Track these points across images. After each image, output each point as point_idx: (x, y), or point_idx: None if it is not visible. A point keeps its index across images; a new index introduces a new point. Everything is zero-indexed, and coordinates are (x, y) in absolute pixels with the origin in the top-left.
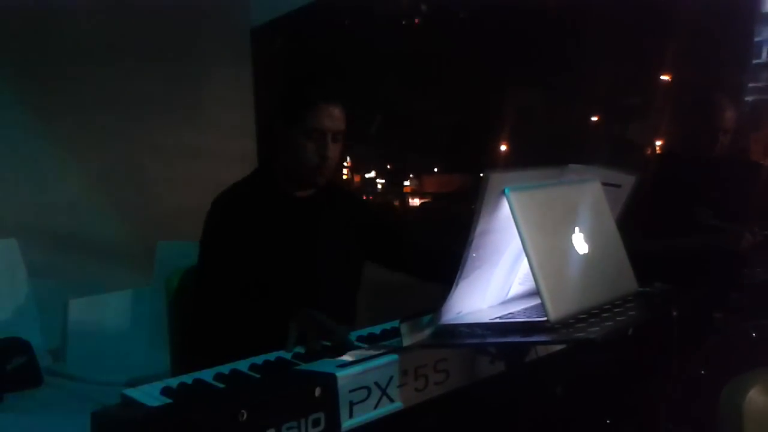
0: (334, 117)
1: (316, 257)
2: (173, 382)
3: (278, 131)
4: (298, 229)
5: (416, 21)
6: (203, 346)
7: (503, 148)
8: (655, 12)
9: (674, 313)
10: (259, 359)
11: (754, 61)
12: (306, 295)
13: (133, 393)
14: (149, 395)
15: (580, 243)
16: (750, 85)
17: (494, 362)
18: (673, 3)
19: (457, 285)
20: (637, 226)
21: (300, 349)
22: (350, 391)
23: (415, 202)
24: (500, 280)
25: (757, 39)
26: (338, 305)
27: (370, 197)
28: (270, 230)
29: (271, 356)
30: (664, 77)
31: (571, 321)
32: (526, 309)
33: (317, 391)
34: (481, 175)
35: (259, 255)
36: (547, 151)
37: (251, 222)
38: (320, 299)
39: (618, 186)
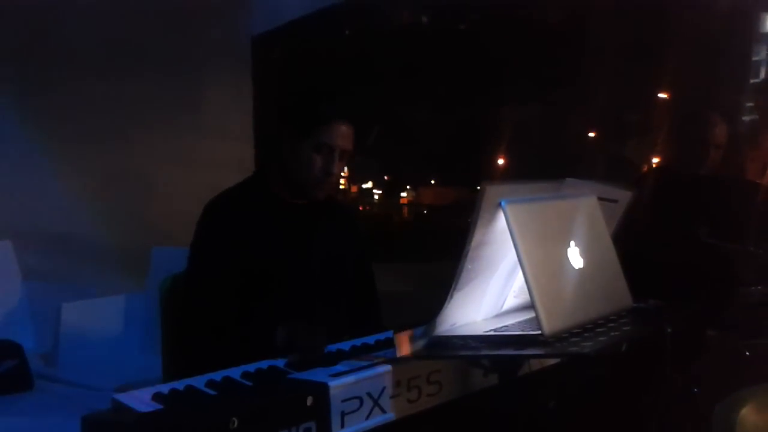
0: (345, 136)
1: (309, 262)
2: (164, 388)
3: (285, 141)
4: (292, 234)
5: (416, 32)
6: (195, 351)
7: (501, 161)
8: (653, 30)
9: (668, 330)
10: (251, 367)
11: (752, 81)
12: (298, 301)
13: (124, 398)
14: (140, 401)
15: (575, 257)
16: (747, 104)
17: (487, 375)
18: (672, 22)
19: (451, 297)
20: (633, 242)
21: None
22: (342, 401)
23: (412, 213)
24: (495, 292)
25: (755, 58)
26: (330, 311)
27: (367, 207)
28: (264, 234)
29: (263, 364)
30: (662, 95)
31: (565, 335)
32: (520, 322)
33: (309, 400)
34: (478, 187)
35: (252, 259)
36: (545, 165)
37: (245, 226)
38: (312, 305)
39: (614, 201)
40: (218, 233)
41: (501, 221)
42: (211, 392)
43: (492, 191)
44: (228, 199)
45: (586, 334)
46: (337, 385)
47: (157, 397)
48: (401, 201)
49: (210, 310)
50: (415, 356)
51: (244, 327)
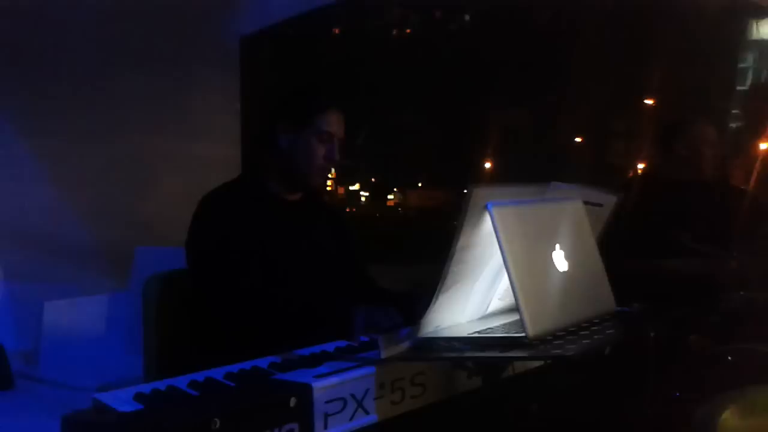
0: (341, 123)
1: (303, 256)
2: (146, 387)
3: (283, 133)
4: (286, 229)
5: (405, 34)
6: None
7: (488, 165)
8: (640, 37)
9: (651, 334)
10: (233, 367)
11: (738, 88)
12: (297, 295)
13: (105, 397)
14: (121, 400)
15: (560, 260)
16: (734, 111)
17: (471, 377)
18: (659, 28)
19: (436, 298)
20: (618, 247)
21: (277, 358)
22: (326, 402)
23: (398, 215)
24: (480, 294)
25: (741, 65)
26: (329, 306)
27: (353, 209)
28: (259, 228)
29: (247, 365)
30: (648, 101)
31: (549, 338)
32: (504, 324)
33: (292, 401)
34: (465, 190)
35: (247, 252)
36: (531, 169)
37: (240, 220)
38: (312, 300)
39: (600, 205)
40: (216, 226)
41: (487, 224)
42: (193, 392)
43: (479, 194)
44: (223, 194)
45: (569, 337)
46: (321, 387)
47: (138, 396)
48: (388, 203)
49: (233, 303)
50: (399, 358)
51: (253, 318)
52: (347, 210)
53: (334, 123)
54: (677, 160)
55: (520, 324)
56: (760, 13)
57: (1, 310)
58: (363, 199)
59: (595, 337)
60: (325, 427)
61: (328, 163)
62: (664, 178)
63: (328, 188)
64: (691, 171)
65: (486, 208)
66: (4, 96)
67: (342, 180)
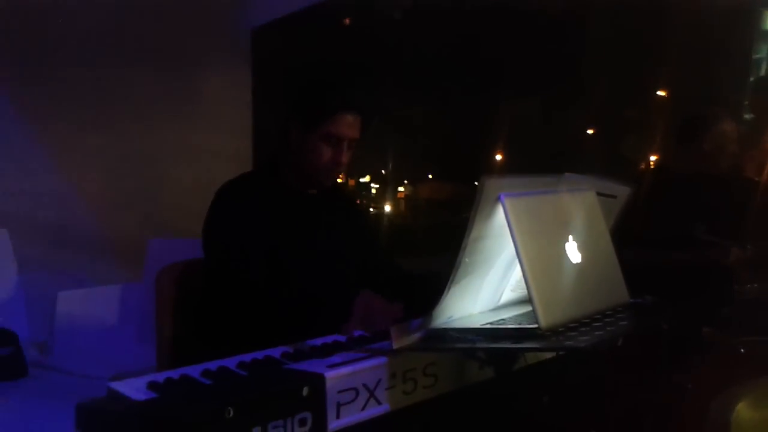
0: (352, 125)
1: (319, 250)
2: (159, 376)
3: (293, 132)
4: (302, 222)
5: (417, 25)
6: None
7: (499, 156)
8: (653, 27)
9: (664, 326)
10: (246, 357)
11: (752, 78)
12: (307, 288)
13: (119, 386)
14: (135, 389)
15: (573, 252)
16: (747, 102)
17: (483, 368)
18: (671, 19)
19: (449, 289)
20: (631, 238)
21: (289, 348)
22: (338, 392)
23: (409, 207)
24: (492, 286)
25: (755, 56)
26: (343, 299)
27: (364, 201)
28: (274, 221)
29: (260, 354)
30: (661, 92)
31: (561, 329)
32: (517, 316)
33: (305, 391)
34: (476, 182)
35: (262, 244)
36: (544, 160)
37: (256, 211)
38: (325, 292)
39: (613, 197)
40: (232, 215)
41: (499, 215)
42: (207, 381)
43: (491, 185)
44: (240, 185)
45: (582, 329)
46: (333, 376)
47: (152, 385)
48: (399, 195)
49: (239, 291)
50: (411, 348)
51: (263, 310)
52: (357, 202)
53: (344, 125)
54: (698, 154)
55: (533, 315)
56: None
57: (15, 300)
58: (373, 191)
59: (608, 328)
60: (338, 417)
61: (334, 165)
62: (679, 171)
63: (339, 180)
64: (711, 165)
65: (498, 199)
66: (18, 89)
67: (352, 172)
